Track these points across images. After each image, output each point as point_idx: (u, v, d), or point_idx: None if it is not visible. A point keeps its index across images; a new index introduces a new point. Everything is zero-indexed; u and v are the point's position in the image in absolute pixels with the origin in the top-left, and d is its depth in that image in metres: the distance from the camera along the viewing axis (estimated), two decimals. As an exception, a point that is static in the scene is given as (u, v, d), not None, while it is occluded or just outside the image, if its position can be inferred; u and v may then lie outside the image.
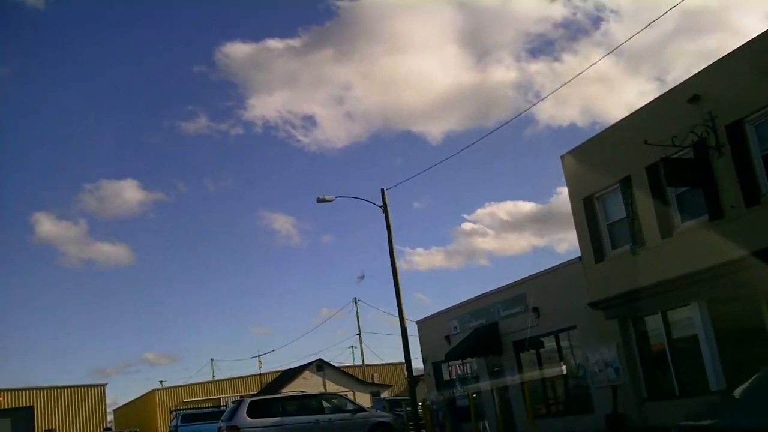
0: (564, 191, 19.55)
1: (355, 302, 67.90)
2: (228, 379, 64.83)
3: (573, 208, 18.97)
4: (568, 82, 28.49)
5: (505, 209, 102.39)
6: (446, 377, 26.69)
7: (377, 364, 71.36)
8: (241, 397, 57.74)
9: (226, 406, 40.63)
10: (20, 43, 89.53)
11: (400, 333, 25.42)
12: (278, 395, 22.64)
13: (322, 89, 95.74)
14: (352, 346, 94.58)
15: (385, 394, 56.32)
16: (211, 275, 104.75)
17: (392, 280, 26.02)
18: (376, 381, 65.37)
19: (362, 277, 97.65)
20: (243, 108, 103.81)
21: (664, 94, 16.25)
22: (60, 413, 51.70)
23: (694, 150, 14.99)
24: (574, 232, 19.04)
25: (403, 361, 26.06)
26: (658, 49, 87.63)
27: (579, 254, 19.05)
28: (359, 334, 69.39)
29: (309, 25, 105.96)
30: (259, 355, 64.01)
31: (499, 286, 22.76)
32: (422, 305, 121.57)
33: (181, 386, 61.61)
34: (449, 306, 26.54)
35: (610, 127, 18.02)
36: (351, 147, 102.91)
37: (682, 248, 15.54)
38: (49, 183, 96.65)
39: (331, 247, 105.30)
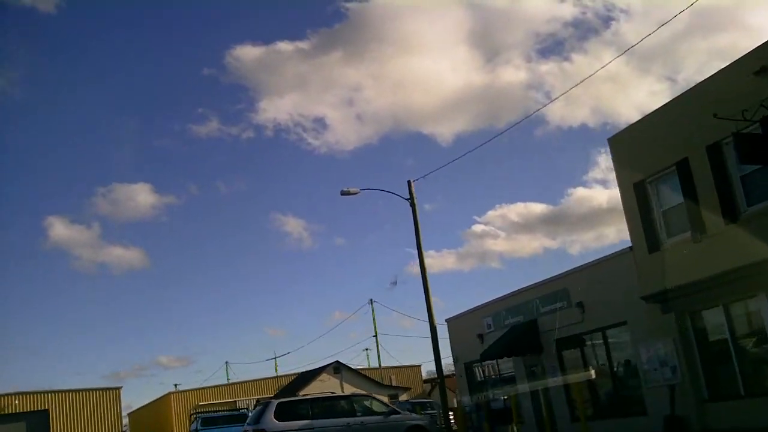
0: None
1: (371, 303, 66.83)
2: (244, 382, 63.85)
3: (622, 195, 17.70)
4: (580, 83, 27.96)
5: (516, 211, 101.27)
6: (479, 378, 25.44)
7: (393, 367, 70.26)
8: (259, 399, 56.69)
9: (247, 408, 39.58)
10: (32, 47, 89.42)
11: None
12: (307, 396, 21.43)
13: (332, 91, 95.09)
14: (366, 349, 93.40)
15: (403, 397, 55.25)
16: (223, 278, 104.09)
17: (410, 282, 24.99)
18: (394, 383, 64.21)
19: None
20: (254, 111, 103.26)
21: (726, 67, 14.94)
22: (75, 417, 50.83)
23: (762, 125, 13.71)
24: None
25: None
26: (668, 48, 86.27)
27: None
28: (375, 335, 68.23)
29: (318, 28, 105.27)
30: (275, 357, 62.86)
31: (532, 282, 21.61)
32: (434, 308, 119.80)
33: (196, 389, 60.69)
34: (477, 305, 25.36)
35: (663, 106, 16.72)
36: (361, 149, 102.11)
37: (749, 234, 14.26)
38: (62, 187, 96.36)
39: (343, 249, 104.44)
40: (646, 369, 17.32)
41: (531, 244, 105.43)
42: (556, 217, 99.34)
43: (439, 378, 25.35)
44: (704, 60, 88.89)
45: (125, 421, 63.48)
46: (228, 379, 70.07)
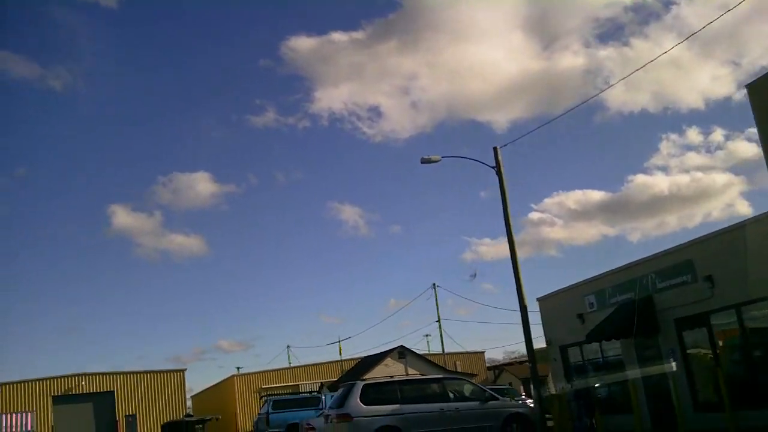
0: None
1: (434, 288, 64.93)
2: (306, 366, 63.07)
3: (765, 148, 15.35)
4: (642, 67, 25.59)
5: (574, 198, 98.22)
6: (577, 362, 23.32)
7: (457, 353, 68.54)
8: (322, 383, 55.36)
9: (319, 392, 38.31)
10: (94, 41, 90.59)
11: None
12: (395, 378, 19.73)
13: (387, 80, 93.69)
14: (427, 335, 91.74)
15: (470, 383, 53.20)
16: (280, 265, 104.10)
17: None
18: (459, 369, 62.41)
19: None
20: (310, 101, 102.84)
21: None
22: (140, 398, 50.81)
23: None
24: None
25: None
26: (732, 32, 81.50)
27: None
28: (438, 321, 66.36)
29: (373, 18, 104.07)
30: (339, 341, 61.77)
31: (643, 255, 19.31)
32: (491, 295, 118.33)
33: (259, 372, 60.18)
34: (576, 282, 23.26)
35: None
36: (416, 137, 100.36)
37: None
38: (125, 176, 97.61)
39: (398, 237, 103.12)
40: (795, 352, 15.01)
41: (589, 231, 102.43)
42: (615, 204, 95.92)
43: (531, 362, 23.37)
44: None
45: (188, 403, 63.40)
46: (290, 363, 69.49)
